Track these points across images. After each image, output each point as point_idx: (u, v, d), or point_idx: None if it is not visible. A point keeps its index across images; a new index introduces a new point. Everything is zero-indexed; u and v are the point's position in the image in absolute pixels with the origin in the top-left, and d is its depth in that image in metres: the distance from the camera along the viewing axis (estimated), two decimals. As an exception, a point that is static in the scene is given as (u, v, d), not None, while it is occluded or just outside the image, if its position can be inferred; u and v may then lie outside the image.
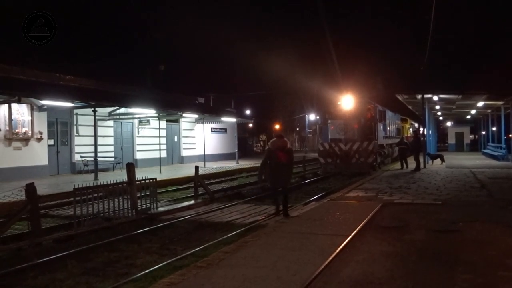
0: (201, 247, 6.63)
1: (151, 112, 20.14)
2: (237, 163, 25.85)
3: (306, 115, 52.45)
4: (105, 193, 8.58)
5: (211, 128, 29.22)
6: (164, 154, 23.02)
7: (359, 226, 6.62)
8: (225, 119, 27.27)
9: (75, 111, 18.82)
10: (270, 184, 8.43)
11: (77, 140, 19.27)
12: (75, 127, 19.25)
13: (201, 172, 13.02)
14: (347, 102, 20.27)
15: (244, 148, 37.34)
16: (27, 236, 7.32)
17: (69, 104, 16.89)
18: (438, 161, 21.35)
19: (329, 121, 21.08)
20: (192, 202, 11.32)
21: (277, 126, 57.02)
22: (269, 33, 61.47)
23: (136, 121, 22.63)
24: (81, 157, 18.70)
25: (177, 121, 25.90)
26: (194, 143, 27.54)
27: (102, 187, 8.63)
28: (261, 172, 8.38)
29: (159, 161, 19.96)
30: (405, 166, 18.74)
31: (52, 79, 18.75)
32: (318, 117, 44.20)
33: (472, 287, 4.07)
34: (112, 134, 21.36)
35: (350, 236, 5.97)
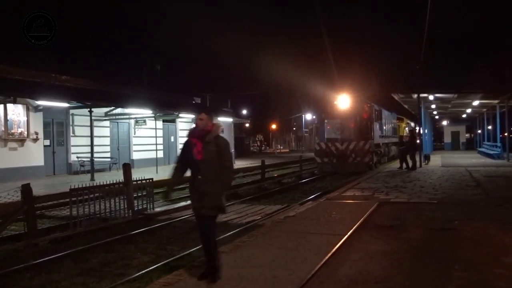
0: (197, 247, 6.62)
1: (147, 112, 20.09)
2: (234, 163, 25.82)
3: (303, 115, 52.51)
4: (101, 193, 8.57)
5: (208, 128, 29.12)
6: (160, 154, 22.98)
7: (356, 225, 6.63)
8: (221, 119, 27.24)
9: (71, 111, 18.75)
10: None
11: (73, 141, 19.20)
12: (71, 127, 19.18)
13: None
14: (343, 101, 20.31)
15: (241, 148, 37.36)
16: (23, 237, 7.29)
17: (65, 105, 16.83)
18: (432, 160, 21.44)
19: (326, 121, 21.10)
20: (189, 202, 11.29)
21: (273, 126, 57.10)
22: (265, 33, 61.51)
23: (132, 121, 22.57)
24: (77, 157, 18.63)
25: (173, 121, 25.84)
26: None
27: (99, 188, 8.61)
28: (174, 179, 4.59)
29: (155, 161, 19.91)
30: (404, 166, 18.17)
31: (48, 79, 18.67)
32: (314, 117, 44.26)
33: (468, 285, 4.09)
34: (109, 135, 21.29)
35: (347, 235, 5.98)
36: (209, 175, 4.21)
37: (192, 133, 4.44)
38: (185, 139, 4.45)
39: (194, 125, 4.61)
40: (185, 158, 4.43)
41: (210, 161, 4.22)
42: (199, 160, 4.24)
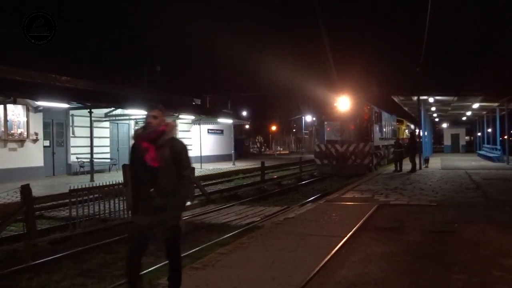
0: (197, 249, 6.63)
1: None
2: (234, 164, 25.85)
3: (303, 116, 52.52)
4: (101, 194, 8.56)
5: (208, 129, 29.19)
6: (160, 155, 22.94)
7: (355, 227, 6.63)
8: (221, 120, 27.28)
9: (71, 112, 18.76)
10: (132, 223, 3.91)
11: (73, 141, 19.20)
12: (71, 128, 19.19)
13: (197, 173, 13.03)
14: (343, 103, 20.35)
15: (240, 149, 37.36)
16: (23, 238, 7.29)
17: (65, 105, 16.85)
18: (432, 163, 21.42)
19: (326, 123, 21.14)
20: (188, 203, 11.31)
21: (273, 128, 57.11)
22: (265, 33, 61.58)
23: (132, 122, 22.57)
24: (77, 158, 18.63)
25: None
26: (191, 144, 27.45)
27: (98, 188, 8.61)
28: (135, 201, 3.73)
29: (155, 163, 19.90)
30: (399, 168, 18.18)
31: (48, 80, 18.70)
32: (314, 119, 44.31)
33: (468, 287, 4.09)
34: (108, 135, 21.30)
35: (346, 237, 5.98)
36: (165, 186, 3.49)
37: (141, 135, 3.63)
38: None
39: (142, 125, 3.79)
40: (135, 167, 3.64)
41: (166, 169, 3.51)
42: (155, 168, 3.47)
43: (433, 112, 31.74)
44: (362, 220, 7.19)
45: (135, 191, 3.72)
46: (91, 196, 8.28)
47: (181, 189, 3.56)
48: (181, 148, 3.64)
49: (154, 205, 3.49)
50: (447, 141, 41.91)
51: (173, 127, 3.69)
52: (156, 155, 3.48)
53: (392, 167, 18.46)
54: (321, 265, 4.73)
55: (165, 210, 3.47)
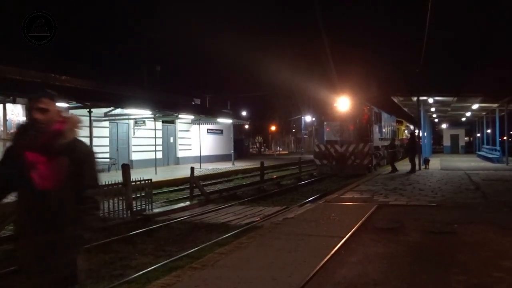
0: (196, 248, 6.63)
1: (147, 113, 20.10)
2: (233, 164, 25.85)
3: (302, 117, 52.49)
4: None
5: (207, 129, 29.20)
6: (159, 155, 22.96)
7: (355, 228, 6.62)
8: (221, 120, 27.29)
9: (70, 111, 18.72)
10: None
11: (72, 141, 19.17)
12: (70, 127, 19.16)
13: (196, 173, 13.03)
14: (343, 103, 20.34)
15: (240, 150, 37.36)
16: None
17: (64, 105, 16.81)
18: (431, 163, 21.40)
19: (325, 123, 21.14)
20: (188, 203, 11.32)
21: (273, 128, 57.12)
22: (265, 33, 61.62)
23: (131, 122, 22.58)
24: (76, 158, 18.61)
25: (173, 122, 25.86)
26: (190, 144, 27.50)
27: (97, 188, 8.59)
28: None
29: (154, 162, 19.92)
30: (392, 169, 18.04)
31: (47, 80, 18.70)
32: (314, 119, 44.29)
33: (467, 288, 4.08)
34: (108, 135, 21.28)
35: (346, 238, 5.97)
36: (58, 215, 2.36)
37: (25, 141, 2.45)
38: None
39: (23, 123, 2.66)
40: (5, 184, 2.54)
41: (62, 189, 2.37)
42: (46, 191, 2.34)
43: (433, 112, 31.76)
44: (361, 221, 7.18)
45: None
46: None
47: (82, 216, 2.43)
48: (85, 156, 2.48)
49: (40, 244, 2.35)
50: (446, 141, 41.91)
51: (75, 123, 2.49)
52: (49, 172, 2.33)
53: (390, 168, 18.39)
54: (320, 265, 4.72)
55: (57, 249, 2.37)
